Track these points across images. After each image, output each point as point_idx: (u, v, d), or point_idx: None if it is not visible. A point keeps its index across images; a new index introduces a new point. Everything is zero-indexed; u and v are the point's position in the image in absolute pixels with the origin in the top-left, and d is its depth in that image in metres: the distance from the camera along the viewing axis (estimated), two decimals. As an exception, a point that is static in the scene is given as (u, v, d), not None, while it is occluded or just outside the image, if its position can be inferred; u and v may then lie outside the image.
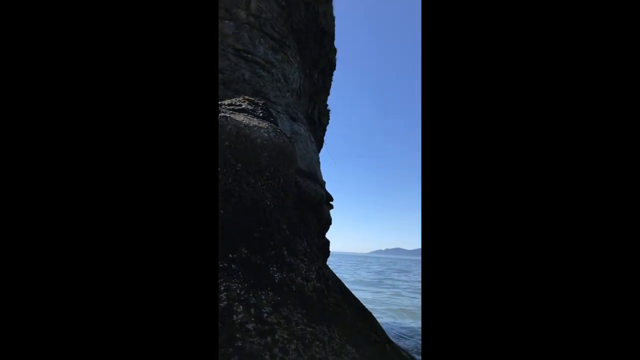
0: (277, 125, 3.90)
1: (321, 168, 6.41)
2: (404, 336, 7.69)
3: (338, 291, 3.59)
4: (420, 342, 7.48)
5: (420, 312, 11.31)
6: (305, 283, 2.50)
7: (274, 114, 4.92)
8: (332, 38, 7.83)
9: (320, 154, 8.28)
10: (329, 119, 8.69)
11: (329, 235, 5.68)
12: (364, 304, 5.13)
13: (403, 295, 15.61)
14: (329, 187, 6.01)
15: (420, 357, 6.31)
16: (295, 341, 1.91)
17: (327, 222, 5.33)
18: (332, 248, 5.80)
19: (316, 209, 4.67)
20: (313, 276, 2.66)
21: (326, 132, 9.02)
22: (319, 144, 8.46)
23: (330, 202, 6.06)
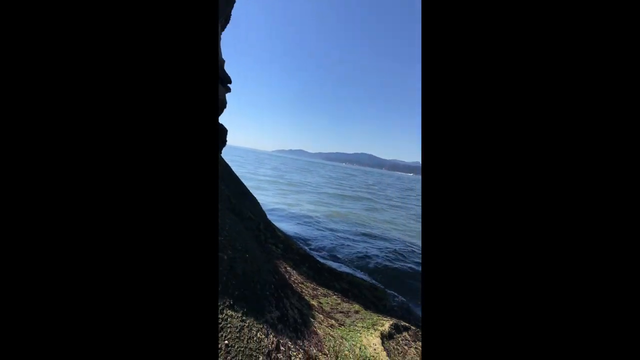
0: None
1: (234, 57, 5.55)
2: (297, 235, 8.38)
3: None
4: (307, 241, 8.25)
5: (314, 213, 12.39)
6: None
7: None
8: None
9: (225, 33, 7.07)
10: (238, -13, 7.23)
11: (229, 125, 5.25)
12: (261, 203, 5.20)
13: (303, 192, 16.89)
14: (235, 74, 5.32)
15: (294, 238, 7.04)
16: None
17: (220, 104, 4.84)
18: (234, 142, 5.47)
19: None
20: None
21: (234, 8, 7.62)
22: (225, 18, 7.18)
23: (228, 85, 5.47)
